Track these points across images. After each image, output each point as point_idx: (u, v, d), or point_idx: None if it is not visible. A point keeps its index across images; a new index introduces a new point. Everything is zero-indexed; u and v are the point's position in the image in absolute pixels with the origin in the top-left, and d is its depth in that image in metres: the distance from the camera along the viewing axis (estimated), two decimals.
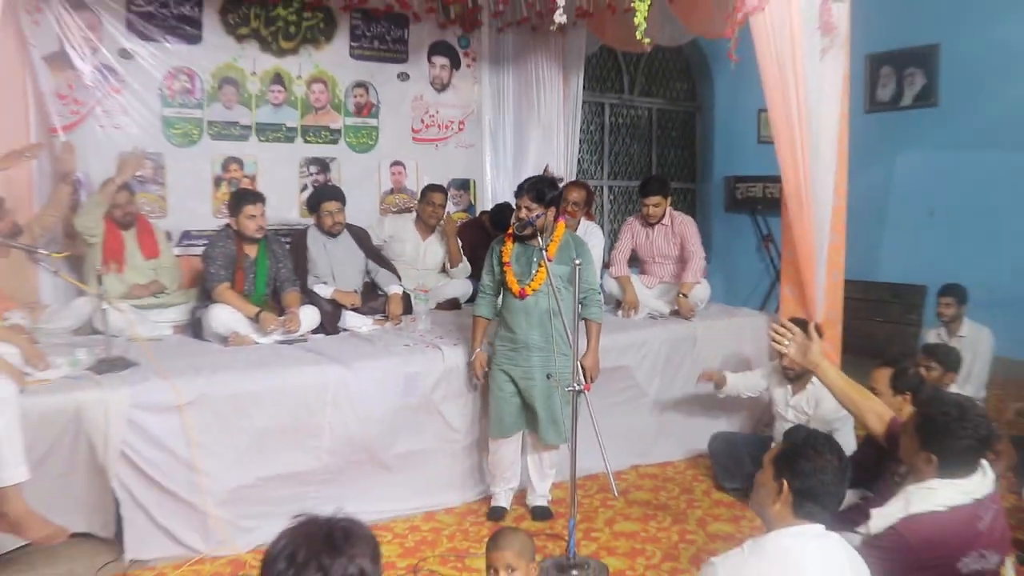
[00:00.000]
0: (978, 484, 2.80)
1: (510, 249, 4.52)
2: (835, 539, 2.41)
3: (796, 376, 4.87)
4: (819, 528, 2.39)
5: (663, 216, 5.93)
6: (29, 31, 5.41)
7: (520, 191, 4.36)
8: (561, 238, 4.48)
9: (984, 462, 2.85)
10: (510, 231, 4.52)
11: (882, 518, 2.77)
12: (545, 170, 6.94)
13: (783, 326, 3.54)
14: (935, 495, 2.75)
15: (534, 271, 4.40)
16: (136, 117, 5.87)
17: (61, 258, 4.69)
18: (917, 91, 8.11)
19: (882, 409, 3.40)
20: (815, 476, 2.39)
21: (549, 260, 4.21)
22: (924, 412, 2.91)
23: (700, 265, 5.86)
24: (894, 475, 3.46)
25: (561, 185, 5.12)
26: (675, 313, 5.82)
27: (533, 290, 4.38)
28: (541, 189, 4.32)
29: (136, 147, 5.68)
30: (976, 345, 5.93)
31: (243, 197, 5.17)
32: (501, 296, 4.57)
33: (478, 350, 4.56)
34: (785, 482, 2.42)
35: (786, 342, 3.50)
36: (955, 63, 7.79)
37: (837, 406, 4.70)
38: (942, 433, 2.78)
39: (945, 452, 2.77)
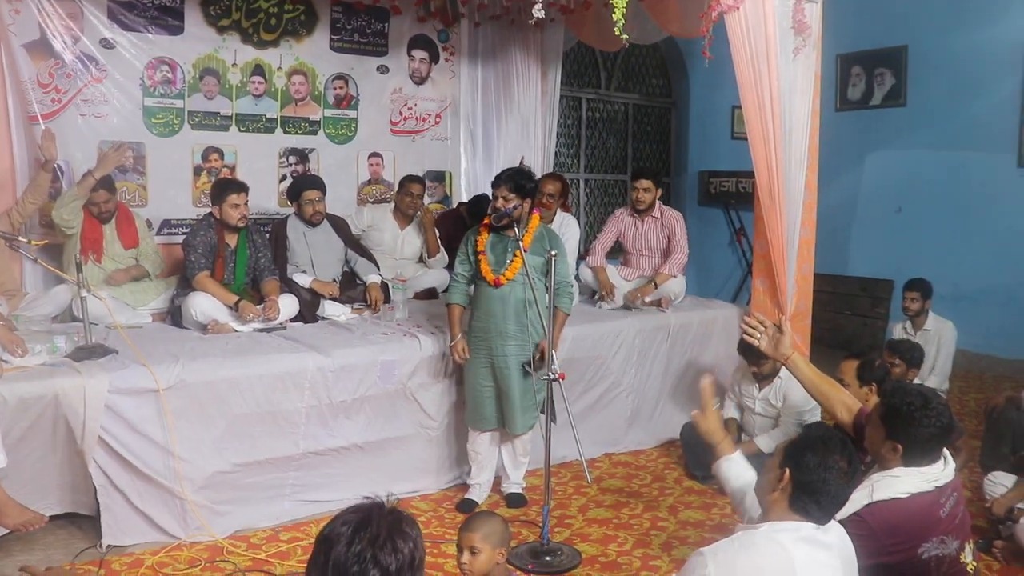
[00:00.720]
0: (939, 472, 2.86)
1: (485, 238, 4.58)
2: (837, 539, 2.44)
3: (764, 377, 4.97)
4: (813, 528, 2.39)
5: (653, 206, 5.99)
6: (9, 18, 5.39)
7: (498, 182, 4.42)
8: (536, 229, 4.54)
9: (946, 451, 2.92)
10: (486, 221, 4.59)
11: (847, 504, 2.78)
12: (520, 162, 7.00)
13: (756, 319, 3.61)
14: (898, 483, 2.81)
15: (509, 260, 4.47)
16: (117, 106, 5.87)
17: (40, 246, 4.69)
18: (886, 91, 8.25)
19: (850, 400, 3.46)
20: (819, 472, 2.39)
21: (525, 250, 4.28)
22: (889, 403, 2.95)
23: (682, 260, 5.93)
24: (860, 464, 3.55)
25: (537, 177, 5.18)
26: (656, 304, 5.87)
27: (507, 279, 4.44)
28: (518, 180, 4.39)
29: (118, 141, 5.66)
30: (940, 338, 6.05)
31: (227, 186, 5.20)
32: (474, 286, 4.63)
33: (458, 336, 4.60)
34: (788, 471, 2.43)
35: (758, 335, 3.59)
36: (923, 64, 7.94)
37: (805, 399, 4.82)
38: (907, 422, 2.83)
39: (910, 440, 2.83)
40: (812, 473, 2.39)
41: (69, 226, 5.20)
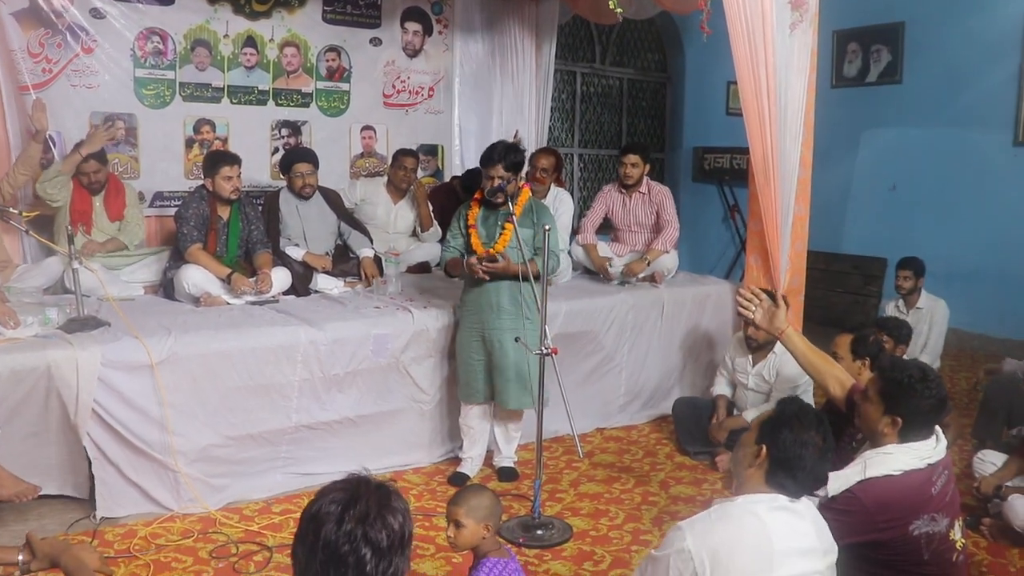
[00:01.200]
0: (932, 449, 2.87)
1: (476, 212, 4.58)
2: (806, 508, 2.43)
3: (759, 346, 4.98)
4: (786, 499, 2.40)
5: (640, 182, 5.97)
6: None
7: (490, 161, 4.38)
8: (525, 203, 4.53)
9: (938, 428, 2.93)
10: (477, 196, 4.58)
11: (839, 481, 2.81)
12: (515, 136, 6.97)
13: (751, 292, 3.61)
14: (891, 460, 2.82)
15: (499, 234, 4.47)
16: (108, 77, 5.83)
17: (31, 217, 4.67)
18: (883, 68, 8.23)
19: (843, 376, 3.47)
20: (794, 448, 2.39)
21: (515, 216, 4.28)
22: (888, 376, 2.95)
23: (674, 236, 5.92)
24: (852, 441, 3.56)
25: (528, 152, 5.16)
26: (651, 279, 5.88)
27: (497, 251, 4.43)
28: (511, 158, 4.38)
29: (110, 114, 5.65)
30: (932, 316, 6.06)
31: (220, 158, 5.17)
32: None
33: (470, 260, 4.45)
34: (764, 448, 2.42)
35: (753, 308, 3.59)
36: (920, 41, 7.91)
37: (798, 374, 4.84)
38: (907, 394, 2.84)
39: (910, 413, 2.83)
40: (788, 450, 2.40)
41: (53, 199, 5.16)
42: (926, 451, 2.86)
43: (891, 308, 6.26)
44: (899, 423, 2.85)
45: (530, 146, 7.12)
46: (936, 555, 2.81)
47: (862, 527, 2.75)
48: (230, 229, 5.18)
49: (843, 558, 2.84)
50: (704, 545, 2.28)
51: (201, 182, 5.24)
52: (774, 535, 2.30)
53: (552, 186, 5.98)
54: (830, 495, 2.82)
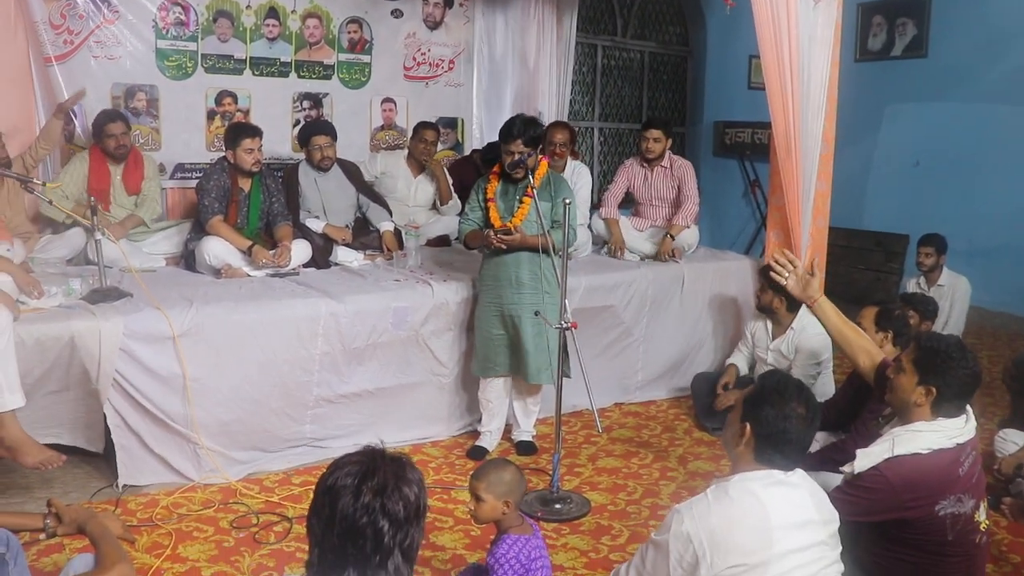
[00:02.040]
0: (961, 428, 2.83)
1: (495, 186, 4.58)
2: (801, 479, 2.42)
3: (771, 313, 5.00)
4: (781, 474, 2.39)
5: (662, 156, 5.94)
6: None
7: (510, 135, 4.37)
8: (543, 176, 4.53)
9: (968, 407, 2.89)
10: (496, 169, 4.57)
11: (867, 458, 2.80)
12: (536, 112, 6.93)
13: (786, 257, 3.53)
14: (920, 438, 2.78)
15: (517, 207, 4.47)
16: (130, 49, 5.83)
17: (55, 188, 4.70)
18: (908, 41, 8.11)
19: (874, 349, 3.42)
20: (778, 423, 2.38)
21: (535, 188, 4.28)
22: (925, 345, 2.90)
23: (693, 211, 5.89)
24: (877, 416, 3.53)
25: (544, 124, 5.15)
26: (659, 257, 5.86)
27: (514, 225, 4.43)
28: (530, 133, 4.37)
29: (133, 88, 5.73)
30: (954, 294, 6.03)
31: (241, 130, 5.17)
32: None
33: (486, 231, 4.47)
34: (748, 426, 2.42)
35: (786, 273, 3.52)
36: (946, 14, 7.79)
37: (818, 350, 4.85)
38: (944, 364, 2.79)
39: (946, 384, 2.79)
40: (772, 425, 2.38)
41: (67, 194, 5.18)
42: (955, 430, 2.82)
43: (912, 285, 6.23)
44: (933, 393, 2.81)
45: (550, 119, 7.09)
46: (960, 536, 2.78)
47: (888, 505, 2.74)
48: (251, 201, 5.19)
49: (864, 536, 2.84)
50: (702, 527, 2.29)
51: (222, 154, 5.25)
52: (771, 511, 2.31)
53: (569, 159, 5.96)
54: (856, 472, 2.80)
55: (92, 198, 4.50)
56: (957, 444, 2.80)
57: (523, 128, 4.36)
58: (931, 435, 2.80)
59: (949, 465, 2.76)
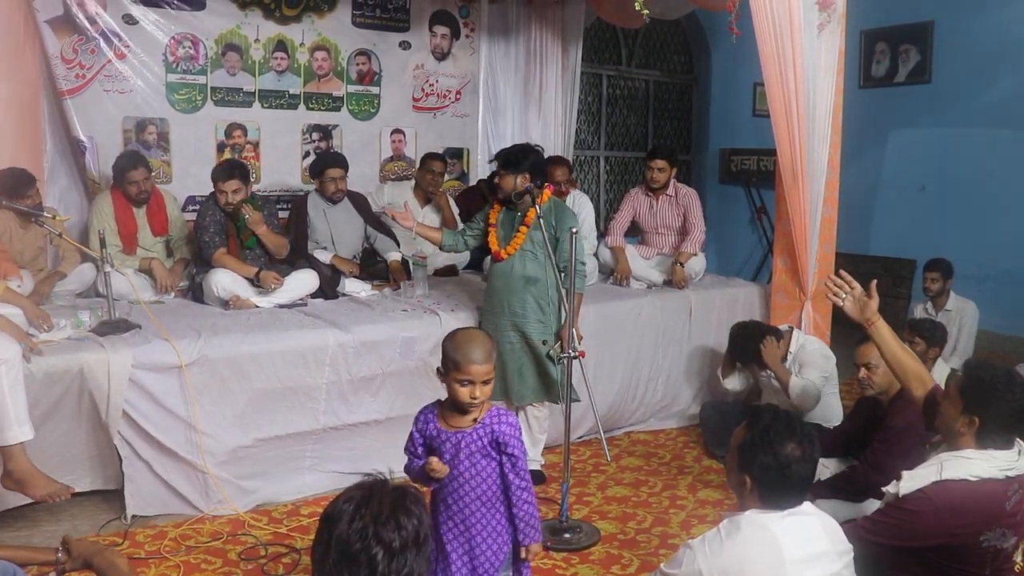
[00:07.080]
0: (1011, 461, 2.74)
1: (497, 212, 4.62)
2: (812, 508, 2.40)
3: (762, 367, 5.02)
4: (790, 507, 2.36)
5: (667, 185, 5.97)
6: None
7: (516, 168, 4.39)
8: (544, 204, 4.52)
9: (1020, 440, 2.80)
10: (500, 196, 4.61)
11: (913, 480, 2.73)
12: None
13: (841, 278, 3.36)
14: (969, 464, 2.71)
15: (514, 235, 4.51)
16: (140, 82, 5.88)
17: (66, 221, 4.73)
18: (911, 67, 8.14)
19: (926, 376, 3.27)
20: (777, 471, 2.34)
21: (528, 225, 4.33)
22: (972, 374, 2.82)
23: (700, 238, 5.92)
24: (926, 444, 3.44)
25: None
26: (668, 283, 5.88)
27: (509, 253, 4.47)
28: (530, 161, 4.41)
29: (143, 121, 5.81)
30: (962, 318, 6.01)
31: (218, 174, 5.16)
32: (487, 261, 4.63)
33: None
34: (748, 478, 2.38)
35: (843, 295, 3.35)
36: (949, 40, 7.82)
37: (820, 373, 4.83)
38: (989, 395, 2.71)
39: (988, 415, 2.72)
40: (771, 473, 2.34)
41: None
42: (1006, 462, 2.72)
43: (919, 310, 6.21)
44: (975, 423, 2.73)
45: (557, 150, 7.13)
46: (996, 572, 2.74)
47: (930, 530, 2.68)
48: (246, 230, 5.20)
49: (886, 568, 2.78)
50: (715, 565, 2.28)
51: (211, 191, 5.26)
52: (784, 545, 2.28)
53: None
54: (901, 494, 2.74)
55: (101, 232, 4.52)
56: (1007, 476, 2.71)
57: (533, 165, 4.41)
58: (981, 463, 2.71)
59: (997, 496, 2.69)
